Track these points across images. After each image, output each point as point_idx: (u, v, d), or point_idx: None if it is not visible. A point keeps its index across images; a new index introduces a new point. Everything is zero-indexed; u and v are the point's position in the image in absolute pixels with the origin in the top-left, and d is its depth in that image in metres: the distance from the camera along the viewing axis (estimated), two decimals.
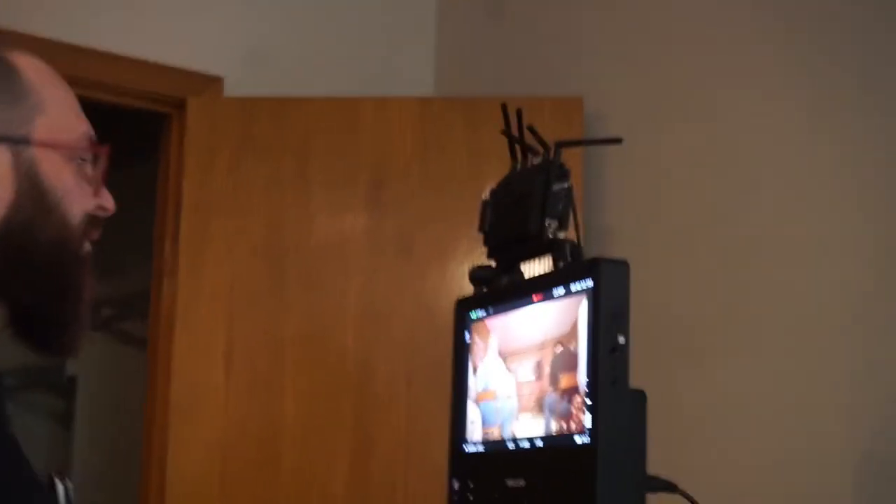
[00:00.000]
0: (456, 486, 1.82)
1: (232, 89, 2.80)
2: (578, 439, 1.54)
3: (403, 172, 2.69)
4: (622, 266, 1.57)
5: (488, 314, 1.81)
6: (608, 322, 1.54)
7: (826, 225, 2.32)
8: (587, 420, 1.53)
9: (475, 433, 1.80)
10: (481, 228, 1.96)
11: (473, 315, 1.84)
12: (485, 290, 1.91)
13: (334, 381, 2.63)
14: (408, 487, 2.58)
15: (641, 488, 1.52)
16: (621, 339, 1.54)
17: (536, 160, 1.94)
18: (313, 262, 2.68)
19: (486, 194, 1.99)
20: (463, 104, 2.71)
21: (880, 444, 2.17)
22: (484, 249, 2.62)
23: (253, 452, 2.60)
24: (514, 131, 1.96)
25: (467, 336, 1.85)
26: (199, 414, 2.61)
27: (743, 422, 2.33)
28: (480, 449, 1.78)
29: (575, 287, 1.60)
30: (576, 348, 1.58)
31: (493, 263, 1.92)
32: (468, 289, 2.66)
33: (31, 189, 1.18)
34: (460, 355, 1.86)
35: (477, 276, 1.88)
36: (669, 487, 1.58)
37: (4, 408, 1.21)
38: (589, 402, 1.53)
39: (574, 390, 1.57)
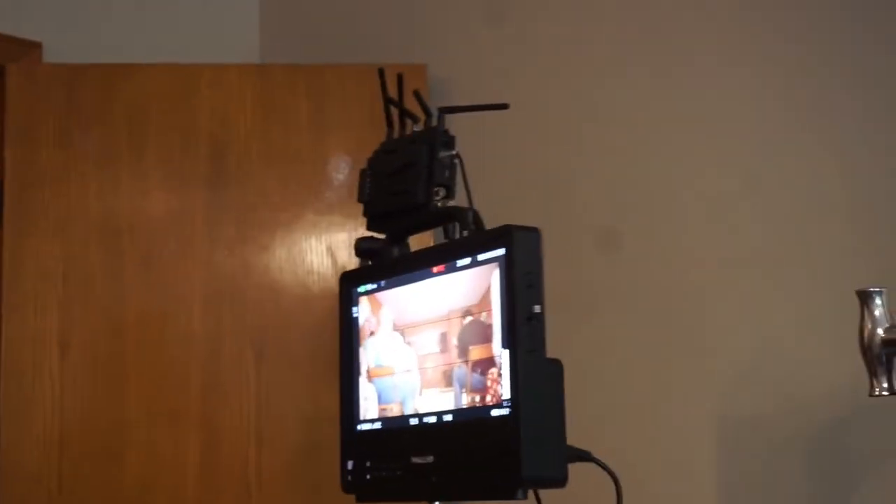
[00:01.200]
0: (350, 465, 1.75)
1: (52, 56, 2.62)
2: (495, 412, 1.50)
3: (244, 144, 2.57)
4: (534, 233, 1.53)
5: (380, 287, 1.74)
6: (523, 291, 1.50)
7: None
8: (505, 391, 1.49)
9: (370, 411, 1.74)
10: (360, 198, 1.89)
11: (362, 289, 1.77)
12: (370, 263, 1.84)
13: (179, 366, 2.50)
14: (261, 474, 2.48)
15: (563, 458, 1.49)
16: (537, 308, 1.51)
17: (417, 128, 1.88)
18: (152, 239, 2.53)
19: (364, 164, 1.92)
20: (305, 72, 2.61)
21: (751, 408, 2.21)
22: (347, 221, 2.57)
23: (94, 446, 2.44)
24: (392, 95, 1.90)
25: (355, 311, 1.78)
26: (33, 407, 2.43)
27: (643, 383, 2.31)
28: (377, 426, 1.72)
29: (483, 256, 1.55)
30: (488, 318, 1.53)
31: (375, 235, 1.86)
32: (313, 263, 2.59)
33: None
34: (347, 331, 1.79)
35: (363, 248, 1.81)
36: (584, 456, 1.56)
37: None
38: (506, 373, 1.49)
39: (488, 362, 1.52)
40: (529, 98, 2.52)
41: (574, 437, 1.54)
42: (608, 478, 1.58)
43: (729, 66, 2.31)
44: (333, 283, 2.58)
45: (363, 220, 2.52)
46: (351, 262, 2.55)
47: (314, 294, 2.56)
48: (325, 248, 2.57)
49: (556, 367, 1.52)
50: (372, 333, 1.75)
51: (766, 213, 2.24)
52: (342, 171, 2.57)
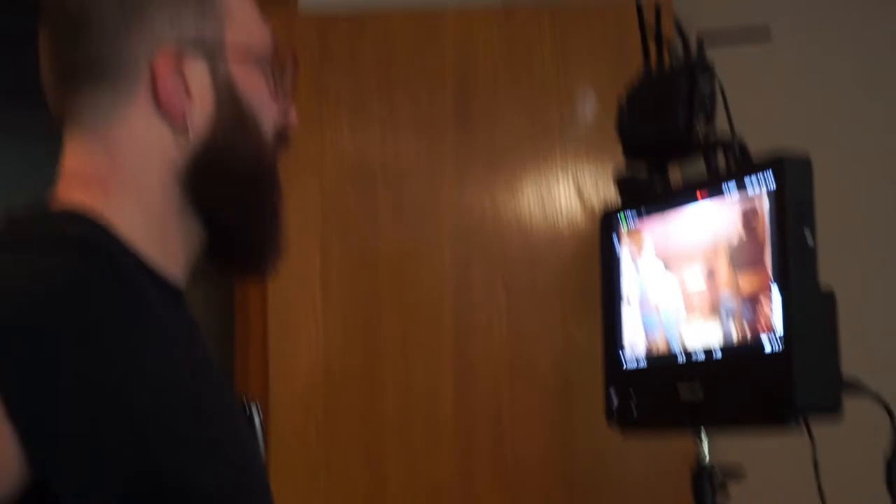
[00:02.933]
0: (615, 398, 1.77)
1: (305, 6, 2.71)
2: (766, 345, 1.50)
3: (490, 85, 2.61)
4: (806, 163, 1.51)
5: (641, 216, 1.75)
6: (795, 222, 1.48)
7: None
8: (777, 324, 1.48)
9: (635, 344, 1.75)
10: (619, 129, 1.90)
11: (624, 220, 1.79)
12: (630, 194, 1.85)
13: (431, 301, 2.57)
14: (514, 408, 2.53)
15: (837, 388, 1.48)
16: (810, 239, 1.49)
17: (675, 60, 1.87)
18: (403, 180, 2.60)
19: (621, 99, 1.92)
20: (549, 13, 2.62)
21: None
22: (595, 160, 2.57)
23: (355, 378, 2.55)
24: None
25: (617, 244, 1.80)
26: (298, 342, 2.55)
27: None
28: (643, 361, 1.74)
29: (752, 185, 1.54)
30: (757, 249, 1.52)
31: (634, 170, 1.86)
32: (561, 202, 2.61)
33: (230, 103, 1.11)
34: (610, 264, 1.81)
35: (624, 178, 1.82)
36: (855, 385, 1.54)
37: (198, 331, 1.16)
38: (777, 305, 1.48)
39: (757, 293, 1.52)
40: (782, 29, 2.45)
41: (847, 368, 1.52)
42: (881, 411, 1.56)
43: None
44: (581, 222, 2.61)
45: (611, 156, 2.52)
46: (599, 197, 2.57)
47: (562, 233, 2.59)
48: (573, 186, 2.59)
49: (829, 298, 1.50)
50: (634, 264, 1.76)
51: None
52: (588, 106, 2.57)
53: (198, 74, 1.09)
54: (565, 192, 2.60)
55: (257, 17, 1.16)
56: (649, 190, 1.76)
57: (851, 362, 1.52)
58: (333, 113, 2.62)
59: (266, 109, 1.15)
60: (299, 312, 2.56)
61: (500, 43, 2.62)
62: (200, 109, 1.09)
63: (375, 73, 2.64)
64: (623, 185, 1.82)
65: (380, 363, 2.56)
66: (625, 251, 1.78)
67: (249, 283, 2.56)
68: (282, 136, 1.19)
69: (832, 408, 1.46)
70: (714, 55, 1.77)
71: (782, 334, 1.48)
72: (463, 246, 2.59)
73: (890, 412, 1.54)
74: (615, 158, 2.50)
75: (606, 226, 1.81)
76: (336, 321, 2.57)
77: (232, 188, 1.12)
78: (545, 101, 2.61)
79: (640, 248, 1.75)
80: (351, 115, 2.63)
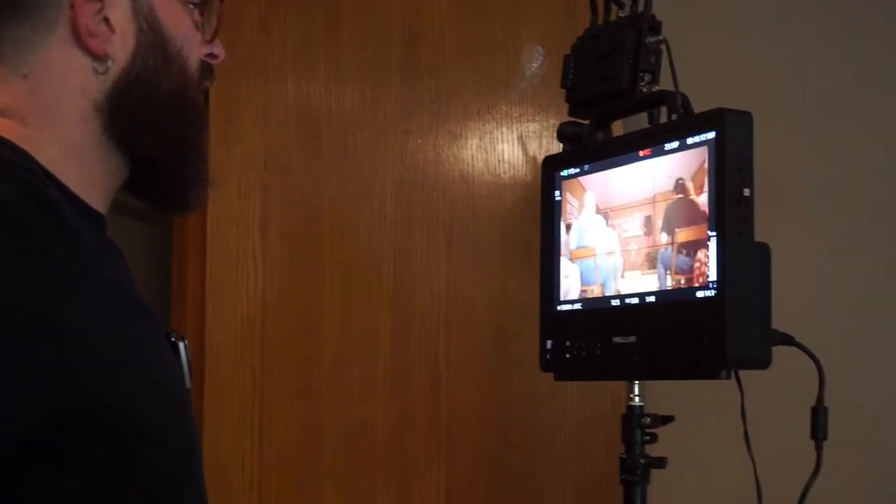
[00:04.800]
0: (549, 344, 1.80)
1: None
2: (701, 293, 1.53)
3: (438, 34, 2.61)
4: (746, 117, 1.54)
5: (584, 172, 1.77)
6: (734, 174, 1.51)
7: None
8: (711, 273, 1.51)
9: (571, 291, 1.78)
10: (564, 84, 1.91)
11: (565, 173, 1.81)
12: (572, 147, 1.87)
13: (372, 247, 2.58)
14: (450, 356, 2.56)
15: (767, 341, 1.51)
16: (746, 192, 1.52)
17: (622, 13, 1.89)
18: (347, 127, 2.60)
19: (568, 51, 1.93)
20: None
21: None
22: (540, 111, 2.58)
23: (293, 324, 2.55)
24: None
25: (557, 194, 1.82)
26: (237, 287, 2.54)
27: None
28: (578, 307, 1.76)
29: (692, 140, 1.57)
30: (696, 201, 1.55)
31: (578, 120, 1.88)
32: (504, 153, 2.63)
33: (153, 37, 1.12)
34: (550, 213, 1.83)
35: (567, 132, 1.84)
36: (786, 339, 1.58)
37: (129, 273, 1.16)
38: (713, 255, 1.51)
39: (695, 244, 1.54)
40: None
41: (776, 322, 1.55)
42: (809, 363, 1.59)
43: None
44: (524, 173, 2.63)
45: (556, 111, 2.55)
46: (542, 152, 2.58)
47: (504, 183, 2.60)
48: (517, 137, 2.61)
49: (764, 250, 1.53)
50: (575, 216, 1.78)
51: None
52: (536, 61, 2.58)
53: (118, 5, 1.09)
54: (509, 145, 2.61)
55: None
56: (592, 144, 1.78)
57: (782, 315, 1.55)
58: (279, 58, 2.60)
59: (190, 42, 1.16)
60: (238, 255, 2.55)
61: None
62: (121, 40, 1.09)
63: (322, 20, 2.62)
64: (566, 137, 1.83)
65: (318, 307, 2.57)
66: (565, 202, 1.80)
67: (184, 221, 2.55)
68: (206, 70, 1.20)
69: (763, 362, 1.50)
70: (661, 10, 1.78)
71: (716, 284, 1.51)
72: (405, 194, 2.60)
73: (818, 364, 1.58)
74: (560, 114, 2.53)
75: (548, 176, 1.83)
76: (276, 265, 2.56)
77: (153, 122, 1.13)
78: (492, 53, 2.62)
79: (580, 200, 1.77)
80: (296, 61, 2.62)
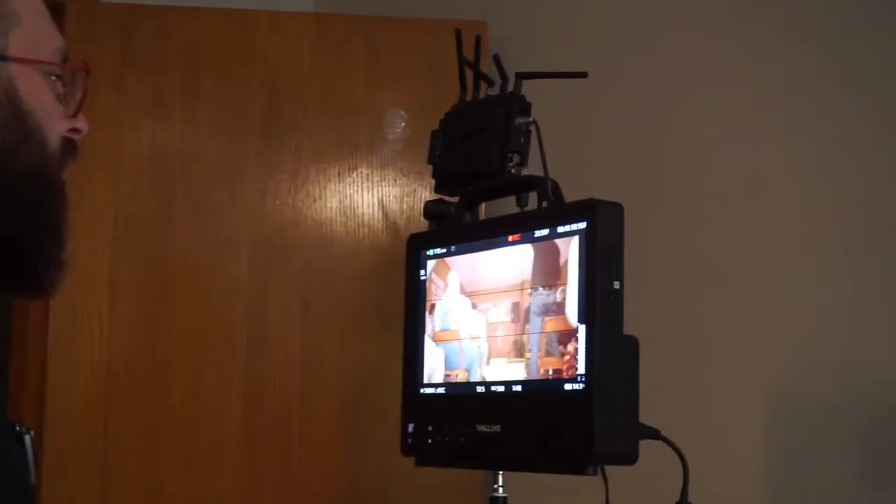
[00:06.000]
0: (411, 428, 1.75)
1: None
2: (568, 385, 1.50)
3: (300, 94, 2.55)
4: (618, 208, 1.52)
5: (450, 252, 1.73)
6: (604, 266, 1.49)
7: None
8: (580, 366, 1.49)
9: (435, 374, 1.73)
10: (431, 160, 1.87)
11: (431, 252, 1.76)
12: (438, 226, 1.83)
13: (225, 310, 2.50)
14: (303, 423, 2.49)
15: (634, 436, 1.49)
16: (616, 284, 1.50)
17: (492, 91, 1.86)
18: (203, 186, 2.52)
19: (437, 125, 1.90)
20: (364, 23, 2.58)
21: None
22: (400, 176, 2.56)
23: (139, 389, 2.45)
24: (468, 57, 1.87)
25: (423, 273, 1.78)
26: (81, 346, 2.43)
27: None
28: (441, 391, 1.72)
29: (563, 228, 1.54)
30: (564, 292, 1.53)
31: (444, 198, 1.84)
32: (364, 217, 2.59)
33: (11, 110, 1.05)
34: (414, 293, 1.78)
35: (433, 210, 1.80)
36: (653, 434, 1.56)
37: None
38: (582, 347, 1.49)
39: (563, 335, 1.52)
40: (592, 59, 2.49)
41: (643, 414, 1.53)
42: (673, 455, 1.58)
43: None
44: (384, 238, 2.59)
45: (417, 177, 2.52)
46: (403, 217, 2.55)
47: (364, 247, 2.56)
48: (377, 202, 2.57)
49: (633, 343, 1.51)
50: (440, 297, 1.74)
51: (818, 196, 2.23)
52: (398, 126, 2.55)
53: None
54: (368, 209, 2.57)
55: (47, 20, 1.11)
56: (460, 225, 1.75)
57: (648, 406, 1.54)
58: (133, 110, 2.52)
59: (52, 117, 1.09)
60: (84, 316, 2.44)
61: (312, 51, 2.57)
62: None
63: (180, 72, 2.54)
64: (432, 216, 1.80)
65: (167, 372, 2.47)
66: (430, 282, 1.76)
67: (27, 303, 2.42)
68: (70, 146, 1.14)
69: (630, 458, 1.48)
70: (531, 91, 1.77)
71: (584, 378, 1.49)
72: (261, 255, 2.53)
73: (682, 459, 1.56)
74: (422, 180, 2.51)
75: (413, 254, 1.79)
76: (123, 326, 2.47)
77: (10, 201, 1.06)
78: (354, 115, 2.58)
79: (445, 280, 1.73)
80: (152, 114, 2.53)
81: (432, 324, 1.75)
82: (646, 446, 1.53)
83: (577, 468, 1.49)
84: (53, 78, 1.10)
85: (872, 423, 2.14)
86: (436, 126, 1.87)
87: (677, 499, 1.59)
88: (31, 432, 1.16)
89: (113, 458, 2.43)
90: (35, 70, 1.07)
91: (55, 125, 1.10)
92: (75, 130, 1.14)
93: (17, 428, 1.13)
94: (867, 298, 2.17)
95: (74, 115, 1.13)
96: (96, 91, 2.45)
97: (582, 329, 1.50)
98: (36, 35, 1.08)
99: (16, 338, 2.53)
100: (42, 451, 2.33)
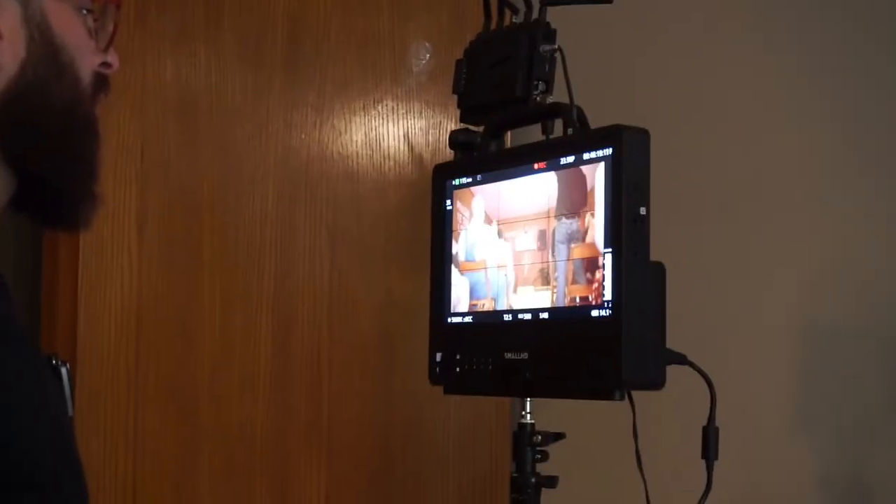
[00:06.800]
0: (438, 357, 1.76)
1: None
2: (595, 312, 1.50)
3: (322, 26, 2.53)
4: (643, 135, 1.51)
5: (476, 182, 1.73)
6: (630, 192, 1.49)
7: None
8: (607, 292, 1.49)
9: (461, 304, 1.74)
10: (456, 90, 1.87)
11: (457, 182, 1.76)
12: (464, 154, 1.82)
13: (253, 244, 2.50)
14: (332, 359, 2.50)
15: (661, 361, 1.50)
16: (643, 210, 1.50)
17: (517, 19, 1.85)
18: (228, 120, 2.51)
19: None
20: None
21: None
22: (426, 108, 2.55)
23: (169, 324, 2.46)
24: None
25: (448, 204, 1.78)
26: (110, 283, 2.44)
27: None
28: (468, 320, 1.73)
29: (588, 155, 1.54)
30: (591, 219, 1.52)
31: (470, 127, 1.84)
32: (389, 150, 2.58)
33: (44, 45, 1.05)
34: (440, 223, 1.78)
35: (459, 140, 1.80)
36: (680, 359, 1.56)
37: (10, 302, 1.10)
38: (608, 273, 1.49)
39: (590, 261, 1.52)
40: None
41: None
42: (700, 380, 1.59)
43: None
44: (409, 171, 2.58)
45: (443, 108, 2.51)
46: (429, 150, 2.54)
47: (389, 181, 2.55)
48: (403, 134, 2.56)
49: (659, 269, 1.51)
50: (465, 227, 1.74)
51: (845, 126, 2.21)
52: (423, 57, 2.53)
53: (8, 11, 1.02)
54: (394, 142, 2.56)
55: None
56: (485, 154, 1.74)
57: (674, 332, 1.54)
58: (156, 45, 2.50)
59: (84, 52, 1.09)
60: (113, 251, 2.45)
61: None
62: (10, 48, 1.02)
63: (203, 9, 2.52)
64: (458, 145, 1.79)
65: (196, 307, 2.48)
66: (456, 212, 1.76)
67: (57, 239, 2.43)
68: (101, 81, 1.14)
69: (657, 383, 1.48)
70: (556, 17, 1.75)
71: (611, 304, 1.49)
72: (287, 189, 2.53)
73: (710, 385, 1.57)
74: (447, 112, 2.50)
75: (439, 184, 1.79)
76: (152, 262, 2.47)
77: (43, 136, 1.07)
78: (378, 47, 2.56)
79: (471, 210, 1.73)
80: (175, 49, 2.52)
81: (458, 253, 1.76)
82: (672, 371, 1.54)
83: (605, 394, 1.49)
84: (84, 12, 1.10)
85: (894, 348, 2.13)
86: (460, 56, 1.85)
87: (704, 423, 1.59)
88: (68, 365, 1.18)
89: (143, 393, 2.45)
90: (66, 4, 1.07)
91: (87, 60, 1.10)
92: (106, 65, 1.14)
93: (54, 362, 1.15)
94: (894, 223, 2.16)
95: (105, 50, 1.13)
96: (120, 28, 2.46)
97: (608, 256, 1.49)
98: None
99: (46, 273, 2.54)
100: (74, 384, 2.35)
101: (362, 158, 2.55)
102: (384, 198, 2.54)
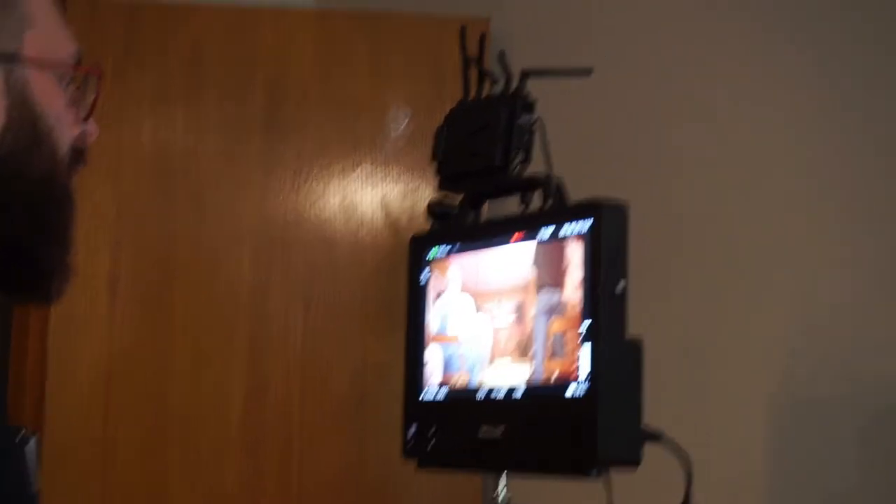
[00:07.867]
0: (412, 430, 1.73)
1: None
2: (571, 387, 1.48)
3: (302, 90, 2.53)
4: (622, 209, 1.50)
5: (453, 251, 1.71)
6: (608, 267, 1.47)
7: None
8: (584, 368, 1.47)
9: (434, 377, 1.71)
10: (434, 157, 1.85)
11: (433, 252, 1.74)
12: (441, 224, 1.80)
13: (227, 309, 2.47)
14: (304, 423, 2.47)
15: (638, 438, 1.47)
16: (621, 285, 1.48)
17: (496, 89, 1.84)
18: (205, 182, 2.50)
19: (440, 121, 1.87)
20: (366, 19, 2.56)
21: None
22: (403, 173, 2.54)
23: (140, 387, 2.43)
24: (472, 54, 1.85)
25: (424, 277, 1.75)
26: (81, 346, 2.41)
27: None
28: (442, 394, 1.70)
29: (567, 228, 1.52)
30: (570, 292, 1.50)
31: (448, 195, 1.82)
32: (366, 215, 2.56)
33: (24, 113, 1.04)
34: (416, 296, 1.76)
35: (438, 210, 1.78)
36: (656, 436, 1.54)
37: None
38: (586, 350, 1.47)
39: (568, 336, 1.50)
40: (596, 56, 2.47)
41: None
42: (675, 457, 1.56)
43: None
44: (386, 236, 2.56)
45: (421, 173, 2.49)
46: (405, 215, 2.52)
47: (365, 246, 2.53)
48: (380, 200, 2.54)
49: (637, 345, 1.49)
50: (439, 297, 1.72)
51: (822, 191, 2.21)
52: (401, 123, 2.53)
53: None
54: (371, 207, 2.54)
55: (62, 24, 1.11)
56: (462, 223, 1.73)
57: (650, 410, 1.52)
58: (135, 108, 2.50)
59: (63, 122, 1.08)
60: (84, 315, 2.43)
61: (314, 47, 2.55)
62: None
63: (182, 68, 2.52)
64: (435, 214, 1.77)
65: (168, 371, 2.45)
66: (432, 283, 1.74)
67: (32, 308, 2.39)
68: (79, 152, 1.12)
69: (633, 460, 1.46)
70: (536, 88, 1.75)
71: (587, 383, 1.47)
72: (263, 254, 2.51)
73: (687, 463, 1.54)
74: (425, 177, 2.49)
75: (416, 256, 1.77)
76: (124, 325, 2.45)
77: (19, 204, 1.04)
78: (357, 111, 2.55)
79: (447, 280, 1.71)
80: (153, 111, 2.51)
81: (433, 325, 1.73)
82: (650, 447, 1.51)
83: (581, 472, 1.47)
84: (66, 83, 1.09)
85: (873, 421, 2.12)
86: (438, 124, 1.84)
87: (681, 501, 1.56)
88: (37, 435, 1.15)
89: (113, 457, 2.42)
90: (48, 73, 1.06)
91: (66, 130, 1.09)
92: (85, 135, 1.13)
93: (20, 435, 1.12)
94: (867, 296, 2.15)
95: (86, 120, 1.12)
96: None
97: (585, 333, 1.48)
98: (49, 37, 1.07)
99: (16, 338, 2.51)
100: (42, 452, 2.31)
101: (339, 223, 2.54)
102: (360, 262, 2.53)
